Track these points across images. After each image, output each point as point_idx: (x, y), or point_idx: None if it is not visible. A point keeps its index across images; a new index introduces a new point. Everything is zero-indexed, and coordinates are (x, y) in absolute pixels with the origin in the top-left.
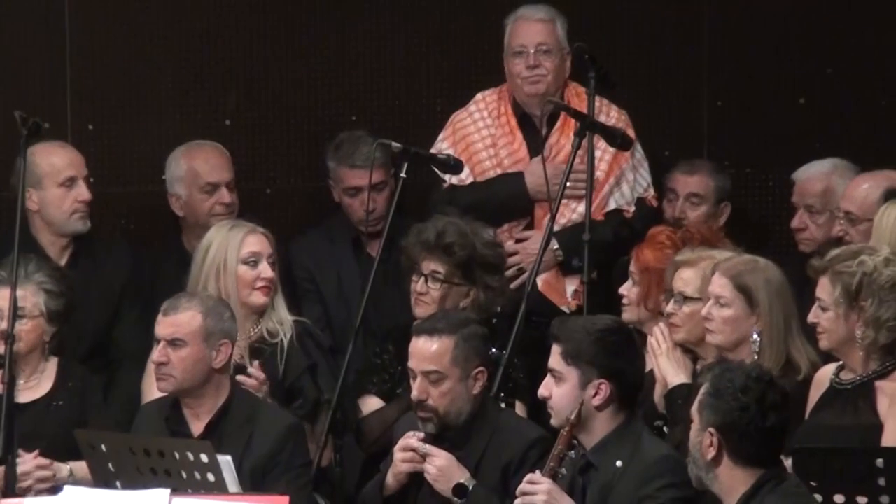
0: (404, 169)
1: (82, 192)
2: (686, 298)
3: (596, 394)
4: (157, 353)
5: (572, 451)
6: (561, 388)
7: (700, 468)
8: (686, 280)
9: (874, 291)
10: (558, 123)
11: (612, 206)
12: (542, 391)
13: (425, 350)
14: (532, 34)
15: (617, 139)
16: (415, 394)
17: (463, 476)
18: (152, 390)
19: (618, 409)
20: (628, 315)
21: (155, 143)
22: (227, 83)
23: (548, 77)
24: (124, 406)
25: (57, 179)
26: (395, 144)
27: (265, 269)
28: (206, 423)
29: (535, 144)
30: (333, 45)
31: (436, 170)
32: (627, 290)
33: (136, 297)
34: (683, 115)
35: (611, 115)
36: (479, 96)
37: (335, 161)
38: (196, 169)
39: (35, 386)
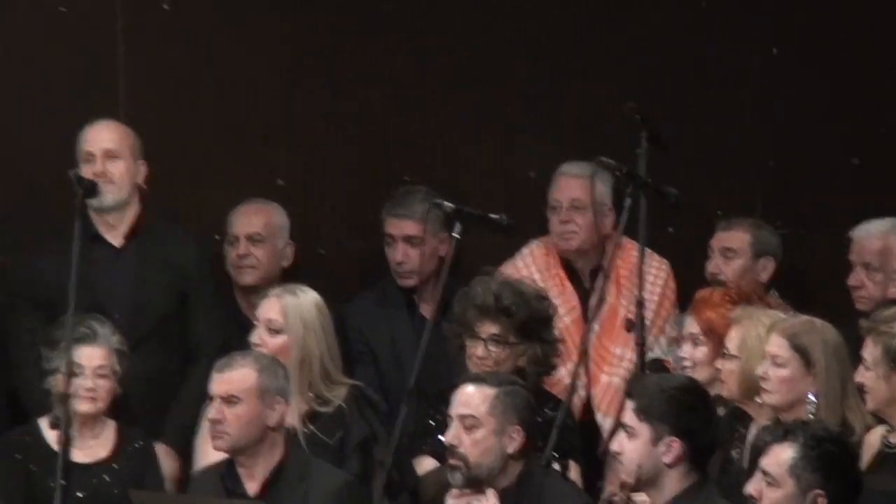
0: (457, 229)
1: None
2: (726, 356)
3: (667, 451)
4: (212, 411)
5: None
6: (632, 444)
7: None
8: (730, 337)
9: None
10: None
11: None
12: (615, 446)
13: (465, 396)
14: (567, 190)
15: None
16: (447, 438)
17: None
18: (207, 448)
19: (689, 469)
20: (698, 376)
21: (207, 202)
22: (281, 142)
23: (579, 234)
24: (196, 402)
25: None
26: (447, 204)
27: None
28: (261, 482)
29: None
30: (387, 105)
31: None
32: (689, 353)
33: (208, 286)
34: (736, 176)
35: (652, 264)
36: (525, 250)
37: (384, 211)
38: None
39: (93, 446)
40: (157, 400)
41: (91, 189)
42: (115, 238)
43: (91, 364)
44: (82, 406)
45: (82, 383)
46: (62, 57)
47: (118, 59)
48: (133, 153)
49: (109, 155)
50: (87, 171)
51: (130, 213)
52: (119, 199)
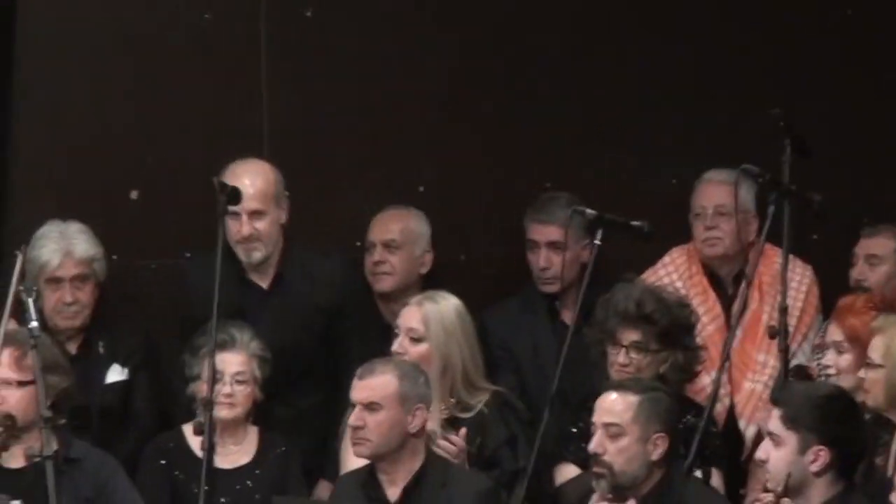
0: (598, 236)
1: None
2: (870, 365)
3: (815, 460)
4: (353, 417)
5: None
6: (779, 452)
7: None
8: (873, 346)
9: None
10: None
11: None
12: (760, 454)
13: (609, 404)
14: (711, 196)
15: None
16: (592, 446)
17: None
18: (349, 454)
19: (836, 477)
20: (842, 384)
21: (349, 209)
22: (421, 148)
23: (724, 240)
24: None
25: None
26: (588, 211)
27: None
28: (402, 489)
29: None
30: (530, 111)
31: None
32: (833, 360)
33: (353, 319)
34: (881, 182)
35: (795, 270)
36: (667, 258)
37: (526, 217)
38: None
39: (236, 453)
40: (312, 437)
41: (234, 196)
42: (263, 280)
43: (229, 370)
44: (221, 412)
45: (221, 389)
46: (205, 64)
47: (261, 65)
48: (277, 200)
49: (255, 215)
50: (232, 227)
51: (275, 258)
52: (267, 253)
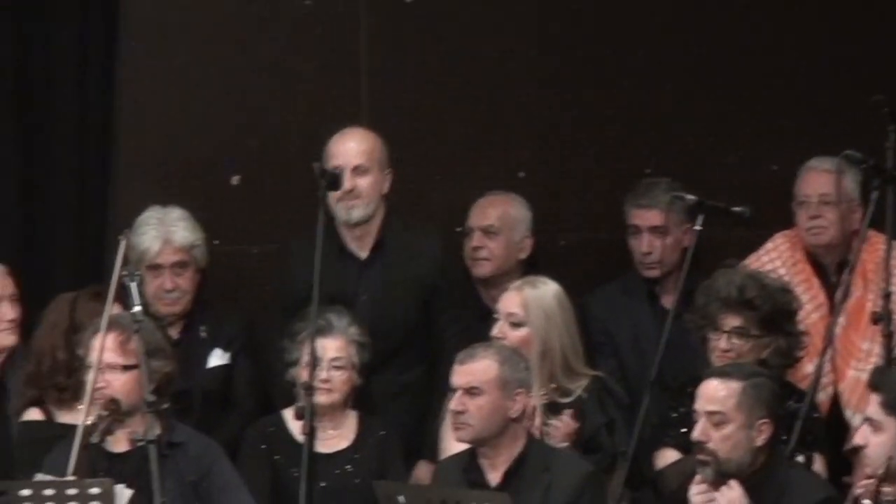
0: (699, 221)
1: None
2: None
3: None
4: (454, 402)
5: None
6: (878, 438)
7: None
8: None
9: None
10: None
11: None
12: (858, 439)
13: (712, 391)
14: (815, 185)
15: None
16: (696, 434)
17: None
18: (449, 439)
19: None
20: None
21: (450, 194)
22: (522, 134)
23: (829, 229)
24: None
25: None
26: (689, 197)
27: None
28: (503, 473)
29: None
30: (630, 97)
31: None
32: None
33: (450, 294)
34: None
35: None
36: (769, 245)
37: (627, 202)
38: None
39: (335, 437)
40: (412, 414)
41: (334, 181)
42: (362, 250)
43: (327, 356)
44: (319, 398)
45: (318, 374)
46: (306, 49)
47: (361, 50)
48: (381, 165)
49: (358, 170)
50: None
51: (375, 225)
52: (367, 213)
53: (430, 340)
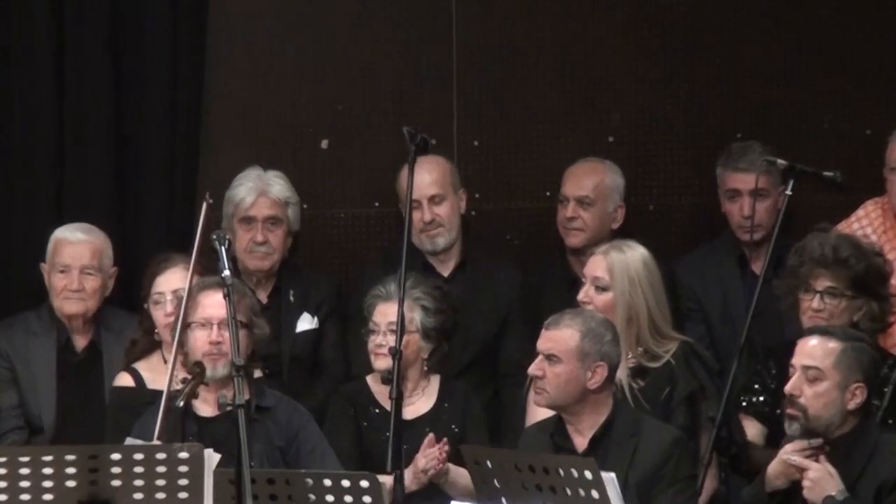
0: (790, 186)
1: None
2: None
3: None
4: (533, 366)
5: None
6: None
7: None
8: None
9: None
10: None
11: None
12: None
13: (811, 347)
14: None
15: None
16: (788, 388)
17: (835, 489)
18: (534, 406)
19: None
20: None
21: (540, 159)
22: (612, 101)
23: None
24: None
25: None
26: (780, 161)
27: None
28: (589, 439)
29: None
30: (719, 61)
31: None
32: None
33: (522, 312)
34: None
35: None
36: (860, 211)
37: (721, 166)
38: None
39: (417, 402)
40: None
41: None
42: (444, 268)
43: (384, 321)
44: (377, 362)
45: (375, 339)
46: (397, 14)
47: (453, 17)
48: (454, 188)
49: (435, 200)
50: (415, 217)
51: (457, 247)
52: (450, 240)
53: (497, 361)
